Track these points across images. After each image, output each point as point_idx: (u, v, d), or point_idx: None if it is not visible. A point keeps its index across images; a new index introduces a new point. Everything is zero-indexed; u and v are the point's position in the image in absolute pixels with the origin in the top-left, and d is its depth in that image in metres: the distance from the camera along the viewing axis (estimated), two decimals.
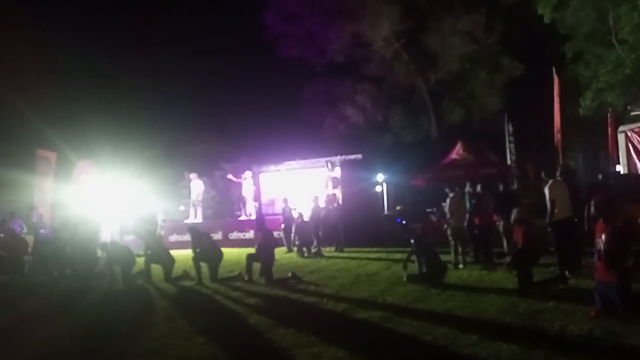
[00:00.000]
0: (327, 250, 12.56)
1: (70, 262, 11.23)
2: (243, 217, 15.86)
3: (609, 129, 14.28)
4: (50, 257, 11.58)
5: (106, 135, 18.78)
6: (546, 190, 7.81)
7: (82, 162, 15.59)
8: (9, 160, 17.41)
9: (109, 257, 9.69)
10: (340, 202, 13.93)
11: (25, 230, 13.42)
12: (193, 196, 15.85)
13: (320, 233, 12.55)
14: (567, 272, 7.26)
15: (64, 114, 19.99)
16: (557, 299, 6.04)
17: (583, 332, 4.81)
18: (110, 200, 14.45)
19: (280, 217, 13.65)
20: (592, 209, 5.71)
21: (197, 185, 15.85)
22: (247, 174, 16.05)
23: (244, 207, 15.94)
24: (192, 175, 15.90)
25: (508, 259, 8.26)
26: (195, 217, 15.59)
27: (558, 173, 8.25)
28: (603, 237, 5.28)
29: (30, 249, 12.46)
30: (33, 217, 13.97)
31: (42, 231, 13.16)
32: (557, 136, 12.90)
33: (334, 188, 13.85)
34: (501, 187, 10.09)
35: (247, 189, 15.93)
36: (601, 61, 16.84)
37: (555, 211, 7.60)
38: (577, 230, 7.78)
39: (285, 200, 13.70)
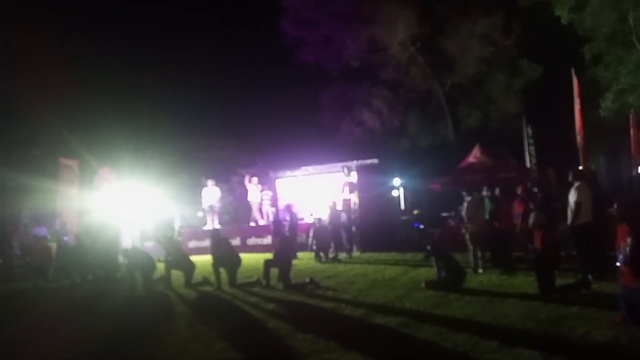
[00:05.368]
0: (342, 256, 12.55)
1: (92, 268, 11.43)
2: (252, 224, 15.92)
3: (631, 131, 14.01)
4: (73, 264, 11.79)
5: (126, 143, 19.08)
6: (573, 192, 7.71)
7: (103, 170, 15.86)
8: (31, 168, 17.81)
9: (130, 263, 9.82)
10: (357, 206, 13.90)
11: (48, 238, 13.71)
12: (208, 202, 15.94)
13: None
14: (590, 277, 7.14)
15: (86, 122, 20.35)
16: (580, 305, 5.94)
17: (607, 338, 4.71)
18: (131, 206, 14.65)
19: (287, 223, 13.62)
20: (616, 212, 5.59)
21: (213, 192, 15.96)
22: (254, 180, 16.09)
23: (254, 213, 16.00)
24: (209, 182, 16.01)
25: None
26: (213, 224, 15.69)
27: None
28: (628, 241, 5.17)
29: (53, 256, 12.72)
30: (56, 224, 14.24)
31: (65, 238, 13.41)
32: (579, 138, 12.69)
33: (350, 193, 13.82)
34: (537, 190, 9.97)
35: (254, 194, 15.99)
36: (622, 62, 16.57)
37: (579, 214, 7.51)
38: (600, 233, 7.65)
39: (290, 206, 13.71)
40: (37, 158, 18.93)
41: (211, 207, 15.87)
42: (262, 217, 15.90)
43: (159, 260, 10.65)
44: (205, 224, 16.15)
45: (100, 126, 20.15)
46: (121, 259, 11.16)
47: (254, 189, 15.96)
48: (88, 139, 18.11)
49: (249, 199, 16.11)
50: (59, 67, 19.87)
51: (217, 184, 16.22)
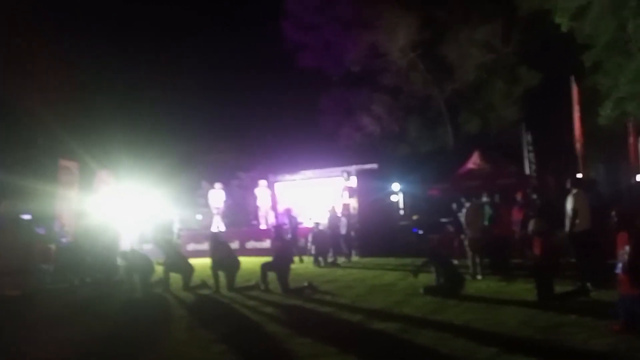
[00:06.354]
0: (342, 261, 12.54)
1: (91, 271, 11.41)
2: (263, 227, 15.95)
3: (630, 139, 14.06)
4: (71, 266, 11.76)
5: (125, 145, 19.07)
6: (570, 200, 7.73)
7: (102, 172, 15.84)
8: (31, 169, 17.76)
9: (129, 265, 9.81)
10: (356, 211, 13.90)
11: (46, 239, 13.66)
12: (215, 205, 15.98)
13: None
14: (589, 284, 7.14)
15: (85, 124, 20.33)
16: (578, 312, 5.94)
17: (606, 347, 4.71)
18: (130, 209, 14.63)
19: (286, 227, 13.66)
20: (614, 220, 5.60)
21: (219, 195, 16.01)
22: (262, 183, 16.14)
23: (260, 216, 16.05)
24: (217, 185, 16.08)
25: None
26: (218, 227, 15.71)
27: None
28: (627, 248, 5.18)
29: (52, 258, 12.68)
30: (55, 226, 14.20)
31: (63, 240, 13.37)
32: (578, 146, 12.74)
33: (350, 197, 13.83)
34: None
35: (262, 198, 16.02)
36: (621, 70, 16.58)
37: (577, 222, 7.51)
38: (599, 241, 7.66)
39: (290, 210, 13.76)
40: (36, 160, 18.90)
41: (217, 209, 15.93)
42: (263, 221, 15.95)
43: (158, 263, 10.63)
44: (211, 225, 16.16)
45: (99, 128, 20.15)
46: (119, 261, 11.14)
47: (263, 192, 15.98)
48: (87, 141, 18.06)
49: (258, 203, 16.14)
50: (58, 69, 19.89)
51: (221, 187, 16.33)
